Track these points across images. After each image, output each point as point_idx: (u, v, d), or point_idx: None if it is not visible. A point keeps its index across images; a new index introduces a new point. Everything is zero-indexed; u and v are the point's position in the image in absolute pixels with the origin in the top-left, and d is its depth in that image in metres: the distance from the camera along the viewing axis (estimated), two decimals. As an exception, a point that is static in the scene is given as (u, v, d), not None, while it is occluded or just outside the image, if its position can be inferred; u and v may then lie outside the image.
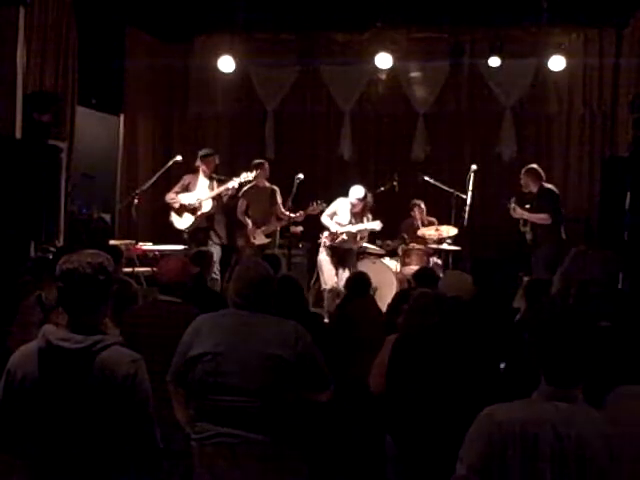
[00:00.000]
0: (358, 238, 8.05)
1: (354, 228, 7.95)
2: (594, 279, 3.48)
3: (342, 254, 8.05)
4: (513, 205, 7.65)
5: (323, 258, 8.08)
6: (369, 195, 7.97)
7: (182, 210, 7.86)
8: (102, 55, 8.65)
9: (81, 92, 8.22)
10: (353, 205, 7.91)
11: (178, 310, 3.90)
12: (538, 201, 7.66)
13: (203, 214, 7.80)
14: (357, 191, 7.88)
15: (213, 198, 7.79)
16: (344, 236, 7.93)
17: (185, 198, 7.85)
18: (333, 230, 7.97)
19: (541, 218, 7.60)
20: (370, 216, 8.01)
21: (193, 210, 7.81)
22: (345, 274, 7.76)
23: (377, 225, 7.94)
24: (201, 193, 7.84)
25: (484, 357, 3.41)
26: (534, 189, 7.75)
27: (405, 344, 3.58)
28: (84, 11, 8.07)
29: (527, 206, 7.71)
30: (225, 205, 7.99)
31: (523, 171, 7.85)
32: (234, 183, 7.75)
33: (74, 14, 7.96)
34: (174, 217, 7.92)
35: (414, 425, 3.38)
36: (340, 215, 8.01)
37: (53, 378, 2.45)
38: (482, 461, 2.10)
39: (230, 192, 7.82)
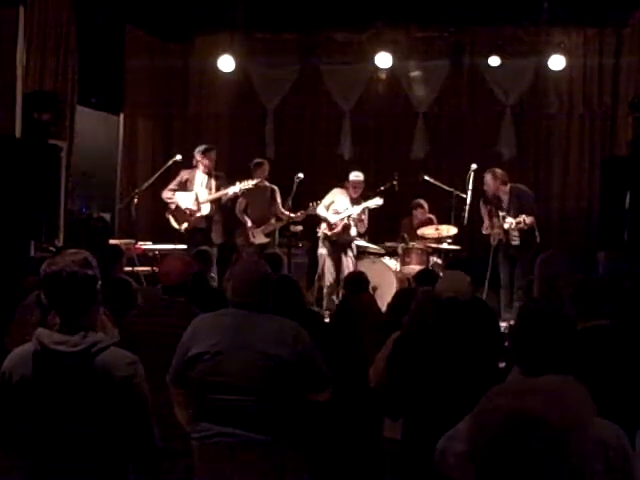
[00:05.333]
0: (361, 220, 8.10)
1: (356, 209, 8.00)
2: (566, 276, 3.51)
3: (341, 247, 8.11)
4: (508, 218, 7.54)
5: (322, 252, 8.15)
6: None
7: (178, 213, 7.81)
8: (102, 54, 8.64)
9: (81, 91, 8.22)
10: (354, 188, 8.03)
11: (180, 309, 3.90)
12: (518, 203, 7.56)
13: (201, 216, 7.77)
14: (356, 174, 8.12)
15: (211, 201, 7.77)
16: (347, 221, 8.01)
17: (182, 199, 7.76)
18: (332, 221, 8.02)
19: (531, 223, 7.53)
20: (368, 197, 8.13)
21: (190, 213, 7.76)
22: (347, 268, 7.85)
23: (378, 201, 8.00)
24: (199, 192, 7.78)
25: (482, 357, 3.40)
26: (503, 192, 7.69)
27: (405, 343, 3.58)
28: (84, 10, 8.06)
29: (502, 214, 7.64)
30: (224, 206, 7.99)
31: (490, 175, 7.71)
32: (235, 189, 7.71)
33: (74, 13, 7.96)
34: (171, 217, 7.88)
35: (412, 424, 3.38)
36: (338, 203, 8.13)
37: (49, 381, 2.44)
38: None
39: (230, 196, 7.81)
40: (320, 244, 8.24)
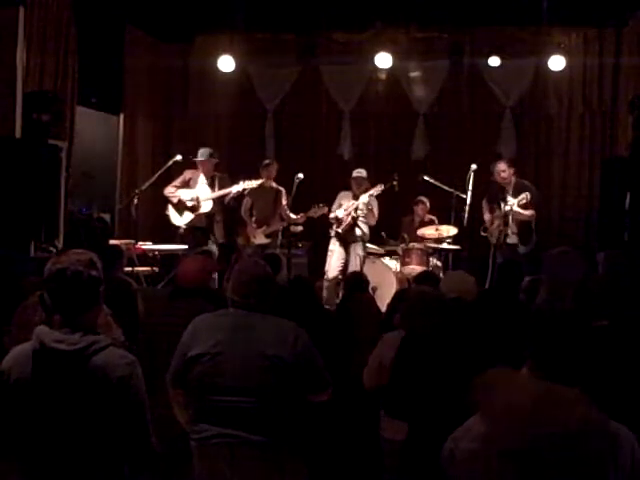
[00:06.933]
0: (370, 210, 8.09)
1: (361, 200, 8.03)
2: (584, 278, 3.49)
3: (349, 245, 8.16)
4: (513, 201, 7.54)
5: (331, 248, 8.23)
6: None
7: (180, 207, 7.81)
8: (102, 54, 8.65)
9: (81, 92, 8.21)
10: (357, 184, 8.11)
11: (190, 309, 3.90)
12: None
13: (202, 214, 7.77)
14: (358, 170, 8.24)
15: (213, 199, 7.77)
16: (354, 214, 8.04)
17: (184, 194, 7.78)
18: (341, 215, 8.07)
19: (532, 215, 7.53)
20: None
21: (192, 208, 7.77)
22: (354, 267, 7.86)
23: (379, 187, 8.06)
24: (201, 191, 7.78)
25: (487, 359, 3.40)
26: (508, 184, 7.72)
27: (411, 344, 3.56)
28: (84, 10, 8.06)
29: (503, 203, 7.65)
30: (226, 205, 7.98)
31: (507, 164, 7.82)
32: (238, 188, 7.68)
33: (74, 13, 7.96)
34: (172, 213, 7.84)
35: (418, 425, 3.38)
36: (345, 204, 8.18)
37: (47, 380, 2.44)
38: None
39: (233, 195, 7.80)
40: (331, 241, 8.28)
